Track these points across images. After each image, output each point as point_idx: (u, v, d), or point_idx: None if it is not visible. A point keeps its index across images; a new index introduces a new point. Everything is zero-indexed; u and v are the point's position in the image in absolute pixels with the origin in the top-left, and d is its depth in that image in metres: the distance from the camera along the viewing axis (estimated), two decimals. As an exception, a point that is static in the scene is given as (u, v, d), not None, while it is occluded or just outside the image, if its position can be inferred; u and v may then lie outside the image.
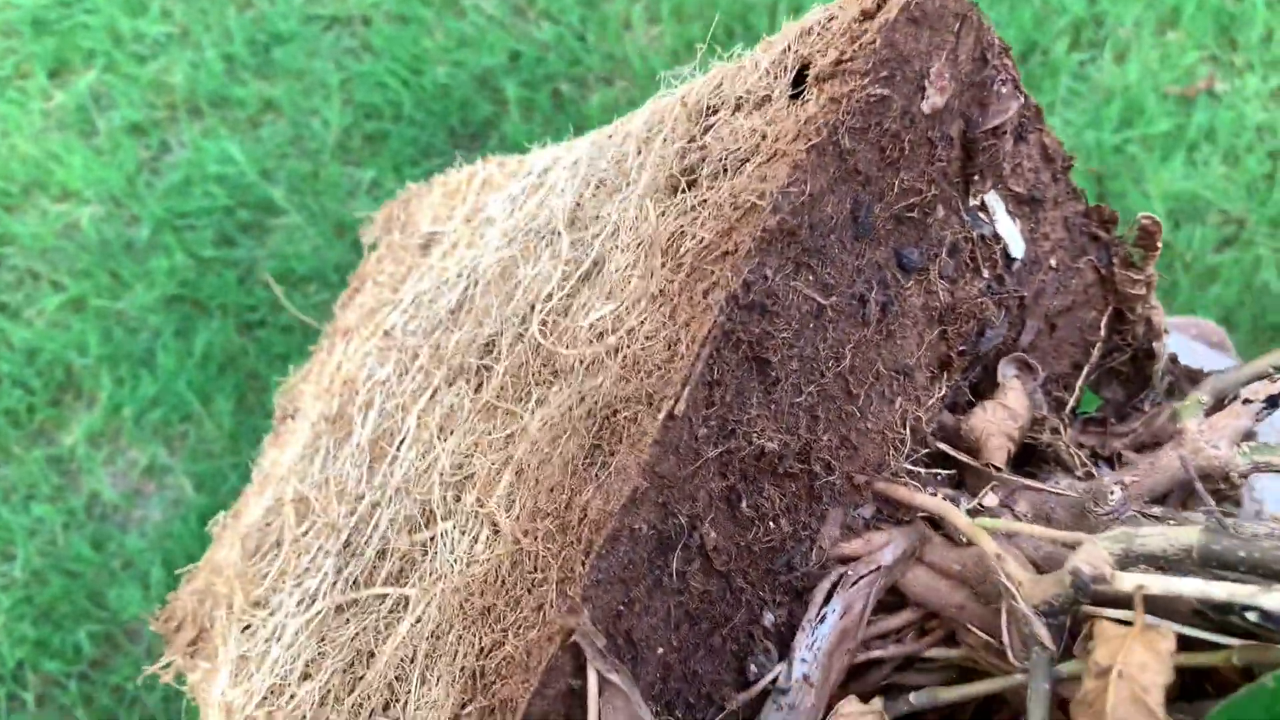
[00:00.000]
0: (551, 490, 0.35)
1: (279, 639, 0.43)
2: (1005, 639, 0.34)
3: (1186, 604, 0.31)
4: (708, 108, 0.41)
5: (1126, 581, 0.30)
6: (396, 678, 0.37)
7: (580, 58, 1.25)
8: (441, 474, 0.41)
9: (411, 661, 0.36)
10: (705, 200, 0.37)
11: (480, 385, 0.42)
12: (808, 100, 0.36)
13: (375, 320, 0.53)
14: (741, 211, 0.35)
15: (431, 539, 0.39)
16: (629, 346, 0.35)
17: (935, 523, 0.40)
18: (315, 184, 1.20)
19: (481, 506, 0.37)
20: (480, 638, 0.34)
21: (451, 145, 1.23)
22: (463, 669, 0.34)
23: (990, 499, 0.41)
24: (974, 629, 0.38)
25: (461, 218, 0.53)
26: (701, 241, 0.35)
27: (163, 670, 0.50)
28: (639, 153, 0.43)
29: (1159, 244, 0.43)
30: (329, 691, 0.39)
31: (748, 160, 0.36)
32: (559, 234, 0.44)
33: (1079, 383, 0.44)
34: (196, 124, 1.24)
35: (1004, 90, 0.38)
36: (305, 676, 0.41)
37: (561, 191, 0.47)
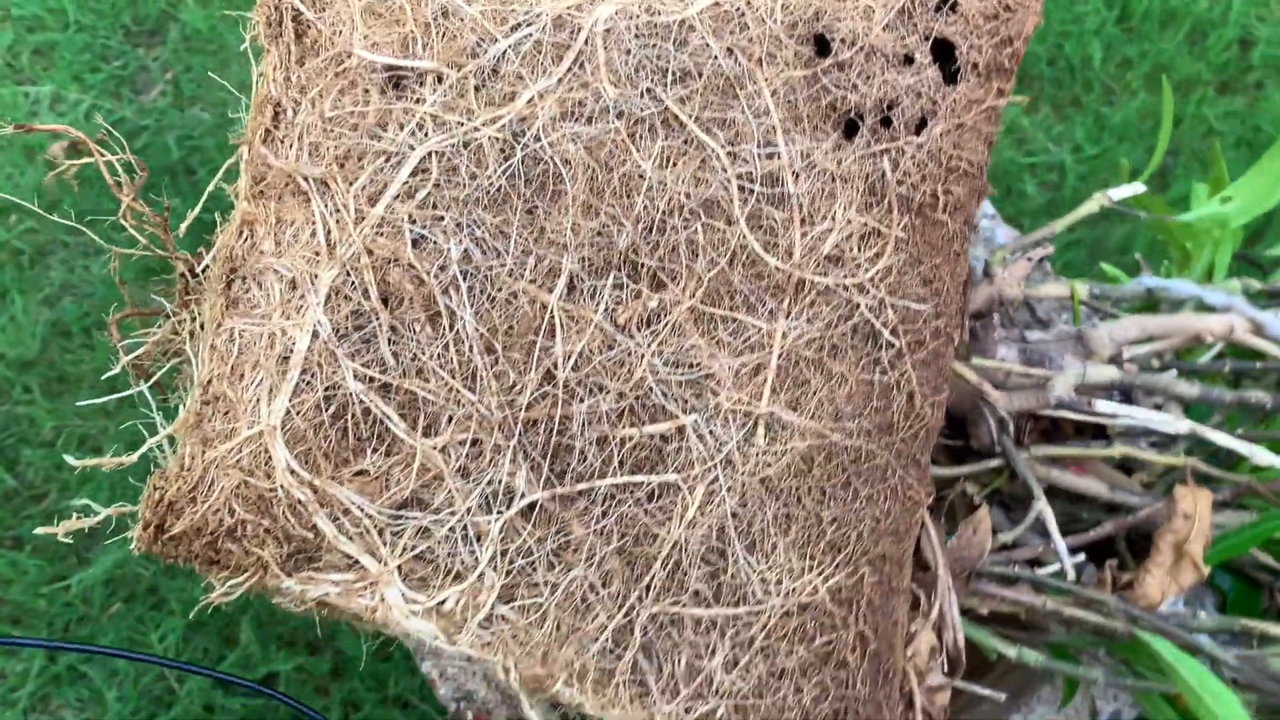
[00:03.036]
0: (850, 395, 0.45)
1: (478, 538, 0.44)
2: (985, 431, 0.56)
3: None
4: (815, 36, 0.49)
5: (1102, 406, 0.54)
6: (715, 546, 0.44)
7: (250, -72, 1.36)
8: (656, 372, 0.46)
9: (721, 536, 0.44)
10: (901, 150, 0.47)
11: (665, 286, 0.46)
12: (968, 83, 0.48)
13: (370, 171, 0.47)
14: (955, 174, 0.47)
15: (676, 431, 0.45)
16: (881, 281, 0.46)
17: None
18: (-9, 110, 1.10)
19: (750, 405, 0.45)
20: (819, 514, 0.44)
21: (130, 44, 1.09)
22: (810, 538, 0.44)
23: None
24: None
25: (440, 57, 0.49)
26: (929, 195, 0.46)
27: (228, 591, 0.44)
28: (731, 53, 0.49)
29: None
30: (609, 572, 0.44)
31: (926, 121, 0.47)
32: (675, 128, 0.48)
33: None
34: None
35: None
36: (556, 565, 0.44)
37: (622, 72, 0.49)
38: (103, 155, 0.58)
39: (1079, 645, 0.56)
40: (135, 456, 0.53)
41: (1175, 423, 0.54)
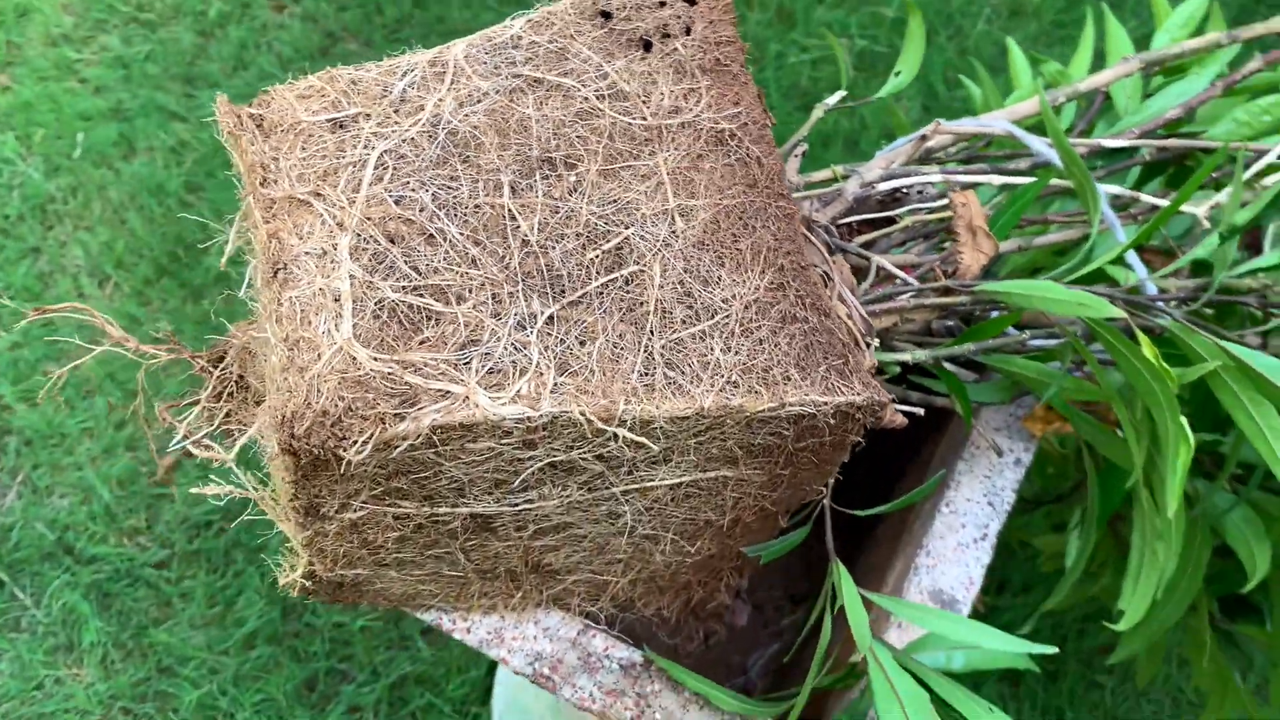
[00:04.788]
0: (722, 176, 0.66)
1: (525, 347, 0.61)
2: (820, 239, 0.77)
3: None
4: (600, 12, 0.73)
5: (882, 186, 0.77)
6: (683, 292, 0.62)
7: None
8: (594, 213, 0.65)
9: (683, 286, 0.63)
10: (684, 46, 0.71)
11: (576, 166, 0.67)
12: (701, 2, 0.73)
13: (345, 177, 0.66)
14: (721, 45, 0.71)
15: (624, 240, 0.64)
16: (709, 109, 0.68)
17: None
18: None
19: (664, 206, 0.65)
20: (737, 246, 0.64)
21: None
22: (740, 260, 0.63)
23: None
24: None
25: (366, 103, 0.70)
26: (713, 59, 0.70)
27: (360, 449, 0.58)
28: (552, 40, 0.72)
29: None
30: (622, 333, 0.61)
31: (691, 29, 0.72)
32: (537, 84, 0.70)
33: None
34: None
35: None
36: (585, 343, 0.61)
37: (486, 73, 0.71)
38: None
39: (947, 346, 0.76)
40: (236, 448, 0.66)
41: (931, 175, 0.77)
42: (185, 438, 0.70)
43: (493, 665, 1.53)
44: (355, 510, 0.64)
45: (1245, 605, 1.07)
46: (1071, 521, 0.95)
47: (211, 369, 0.73)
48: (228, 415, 0.71)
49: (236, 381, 0.72)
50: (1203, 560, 0.86)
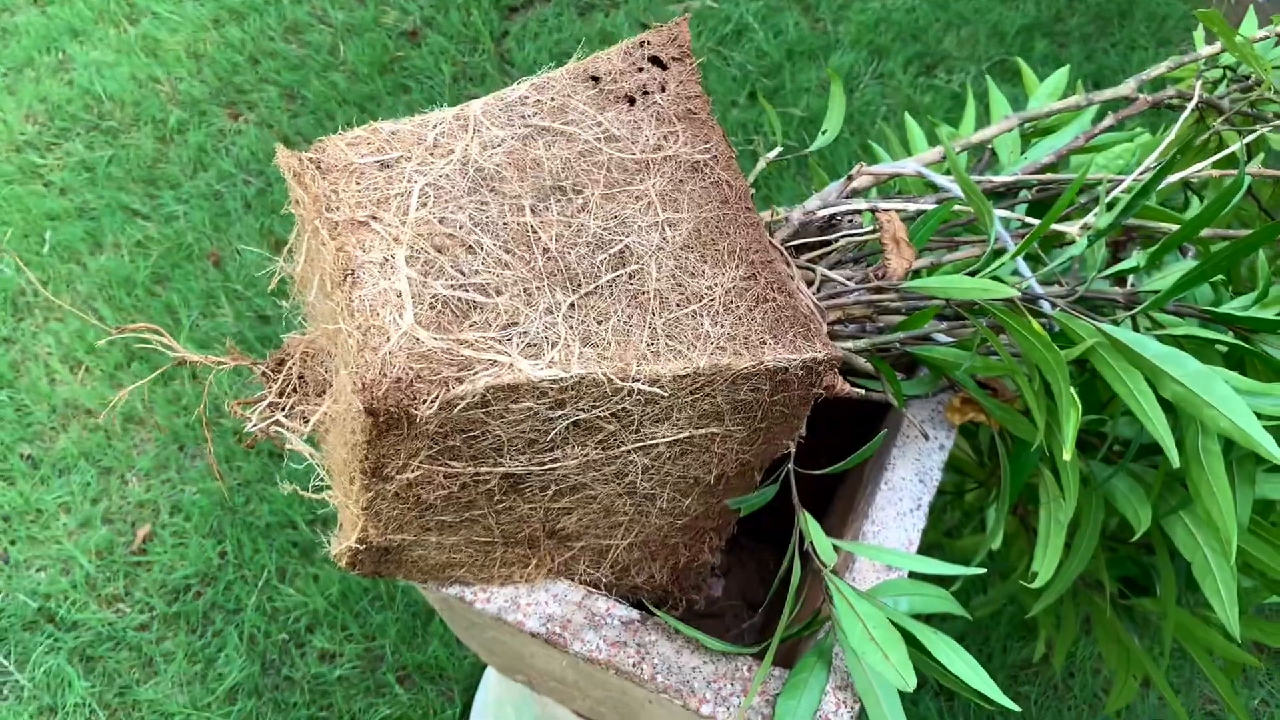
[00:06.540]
0: (700, 195, 0.83)
1: (554, 326, 0.76)
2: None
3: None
4: (591, 76, 0.91)
5: (821, 212, 0.95)
6: (675, 283, 0.78)
7: None
8: (599, 227, 0.81)
9: (675, 278, 0.79)
10: (661, 100, 0.88)
11: (582, 191, 0.83)
12: (673, 66, 0.91)
13: (396, 203, 0.82)
14: (694, 101, 0.89)
15: (625, 247, 0.81)
16: (685, 146, 0.85)
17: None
18: None
19: (655, 219, 0.82)
20: (717, 243, 0.80)
21: None
22: (719, 258, 0.80)
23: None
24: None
25: (405, 148, 0.86)
26: (685, 109, 0.88)
27: (430, 405, 0.71)
28: (553, 99, 0.89)
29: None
30: (630, 314, 0.77)
31: (665, 87, 0.90)
32: (545, 131, 0.87)
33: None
34: None
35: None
36: (602, 323, 0.76)
37: (501, 124, 0.88)
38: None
39: (884, 355, 0.93)
40: (312, 423, 0.79)
41: (860, 204, 0.96)
42: (261, 420, 0.83)
43: (466, 707, 1.62)
44: (413, 470, 0.78)
45: (1141, 588, 1.24)
46: (989, 500, 1.11)
47: (273, 373, 0.87)
48: (293, 406, 0.84)
49: (298, 379, 0.85)
50: (1098, 520, 1.03)
